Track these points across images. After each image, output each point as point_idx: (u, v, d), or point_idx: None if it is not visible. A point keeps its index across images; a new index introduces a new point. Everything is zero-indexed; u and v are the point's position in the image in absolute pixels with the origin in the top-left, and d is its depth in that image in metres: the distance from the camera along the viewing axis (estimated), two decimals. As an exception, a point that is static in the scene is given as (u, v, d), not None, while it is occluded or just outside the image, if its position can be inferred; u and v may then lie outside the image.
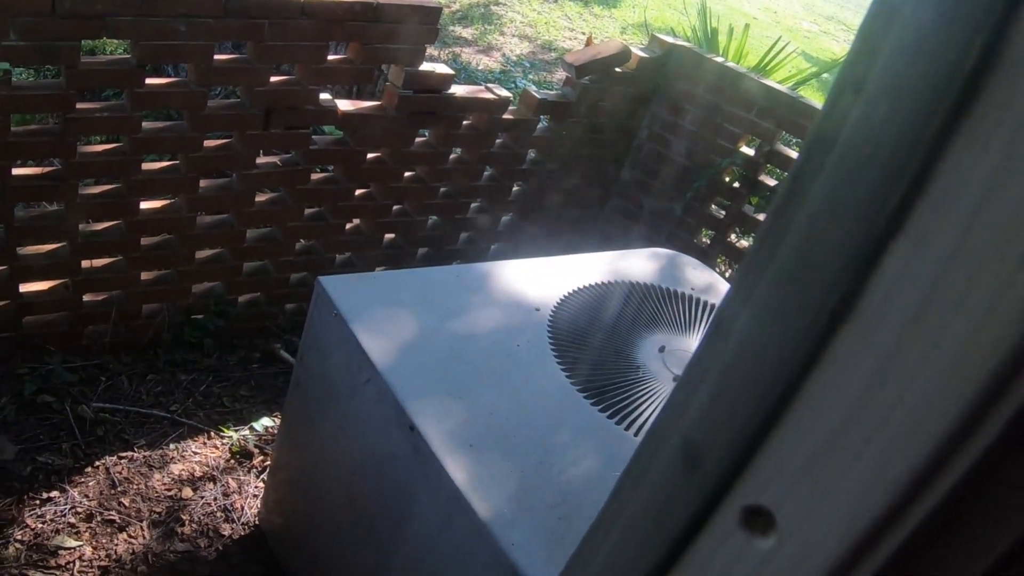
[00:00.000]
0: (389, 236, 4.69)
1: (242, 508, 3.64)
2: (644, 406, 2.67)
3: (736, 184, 5.00)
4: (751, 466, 0.48)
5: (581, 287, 3.16)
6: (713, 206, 5.14)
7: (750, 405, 0.47)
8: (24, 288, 3.78)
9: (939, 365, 0.41)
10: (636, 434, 2.57)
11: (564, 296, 3.08)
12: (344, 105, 4.01)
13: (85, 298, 3.95)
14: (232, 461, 3.86)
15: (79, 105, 3.41)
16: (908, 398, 0.41)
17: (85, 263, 3.84)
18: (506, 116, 4.52)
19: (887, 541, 0.44)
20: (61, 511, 3.42)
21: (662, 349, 2.93)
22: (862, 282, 0.42)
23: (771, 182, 4.89)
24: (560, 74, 8.70)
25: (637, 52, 4.91)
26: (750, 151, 4.91)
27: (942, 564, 0.44)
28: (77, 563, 3.29)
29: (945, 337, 0.40)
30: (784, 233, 0.45)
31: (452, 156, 4.55)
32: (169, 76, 4.38)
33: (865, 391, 0.43)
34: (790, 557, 0.48)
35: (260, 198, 4.12)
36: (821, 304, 0.44)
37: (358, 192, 4.38)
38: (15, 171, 3.46)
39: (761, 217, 4.92)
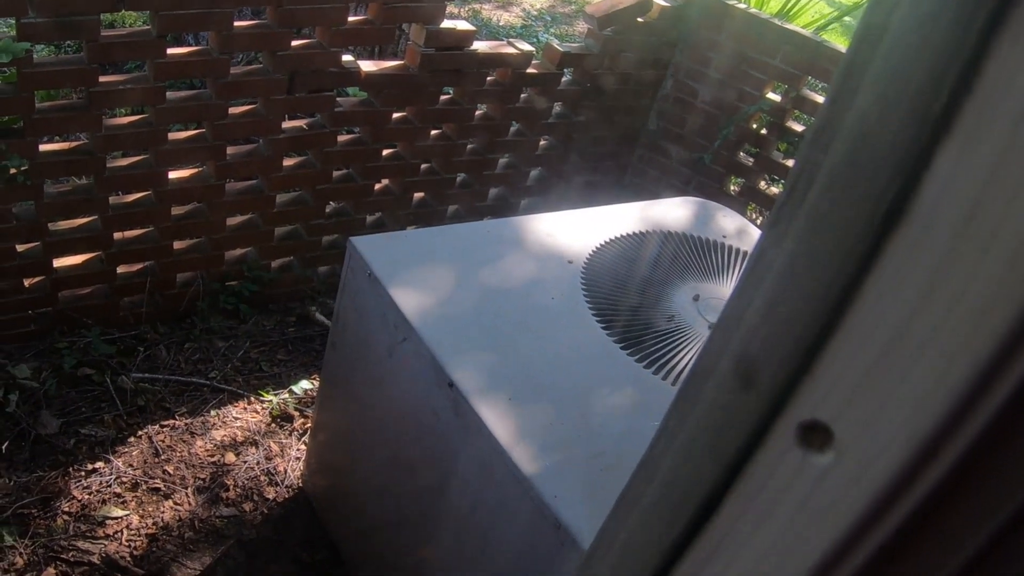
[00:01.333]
0: (418, 195, 4.69)
1: (285, 471, 3.67)
2: (680, 355, 2.67)
3: (764, 131, 4.97)
4: (807, 380, 0.48)
5: (612, 238, 3.15)
6: (741, 153, 5.10)
7: (804, 316, 0.47)
8: (58, 263, 3.81)
9: (995, 263, 0.40)
10: (674, 383, 2.57)
11: (596, 248, 3.07)
12: (367, 66, 4.00)
13: (119, 270, 3.97)
14: (273, 425, 3.88)
15: (102, 78, 3.41)
16: (966, 298, 0.41)
17: (117, 235, 3.86)
18: (529, 71, 4.50)
19: (949, 450, 0.43)
20: (106, 481, 3.46)
21: (696, 298, 2.92)
22: (914, 182, 0.42)
23: (798, 128, 4.85)
24: (582, 26, 8.64)
25: (658, 1, 4.87)
26: (776, 97, 4.87)
27: (1011, 466, 0.43)
28: (125, 532, 3.32)
29: (1000, 234, 0.40)
30: (835, 132, 0.44)
31: (478, 113, 4.53)
32: (190, 45, 4.37)
33: (922, 293, 0.42)
34: (849, 472, 0.47)
35: (288, 162, 4.12)
36: (874, 207, 0.43)
37: (385, 152, 4.37)
38: (43, 147, 3.47)
39: (790, 163, 4.89)
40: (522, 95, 4.62)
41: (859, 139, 0.44)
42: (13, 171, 3.39)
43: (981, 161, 0.40)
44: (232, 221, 4.16)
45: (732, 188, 5.25)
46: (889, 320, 0.44)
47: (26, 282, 3.78)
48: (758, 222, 4.81)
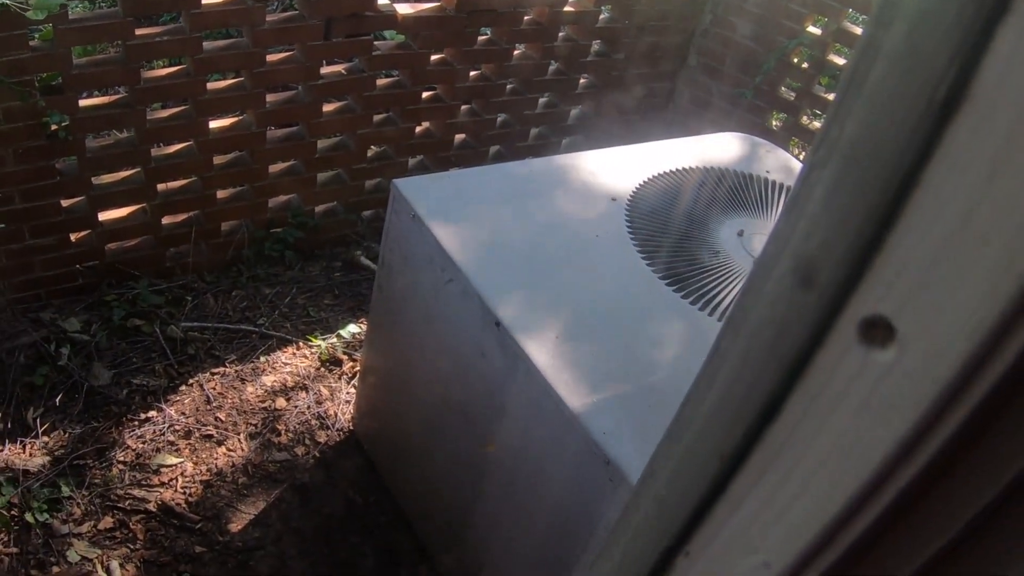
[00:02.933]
0: (459, 136, 4.68)
1: (335, 414, 3.70)
2: (726, 290, 2.66)
3: (805, 65, 4.90)
4: (867, 275, 0.46)
5: (656, 175, 3.13)
6: (783, 88, 5.04)
7: (863, 210, 0.45)
8: (103, 216, 3.84)
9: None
10: (720, 319, 2.56)
11: (639, 185, 3.06)
12: (403, 8, 3.98)
13: (164, 221, 4.00)
14: (322, 369, 3.91)
15: (138, 31, 3.42)
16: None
17: (160, 186, 3.88)
18: (567, 8, 4.47)
19: (1014, 341, 0.43)
20: (160, 430, 3.50)
21: (741, 233, 2.90)
22: (973, 66, 0.41)
23: (840, 61, 4.78)
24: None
25: (696, -67, 4.80)
26: (817, 31, 4.80)
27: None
28: (179, 479, 3.37)
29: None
30: (896, 10, 0.43)
31: (516, 52, 4.50)
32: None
33: (985, 179, 0.41)
34: (911, 367, 0.46)
35: (328, 108, 4.11)
36: (932, 93, 0.42)
37: (425, 95, 4.36)
38: (82, 102, 3.49)
39: (833, 98, 4.82)
40: (560, 34, 4.58)
41: (918, 17, 0.43)
42: (54, 127, 3.41)
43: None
44: (274, 168, 4.17)
45: (774, 123, 5.19)
46: (951, 208, 0.43)
47: (72, 237, 3.81)
48: (801, 157, 4.76)
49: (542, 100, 4.83)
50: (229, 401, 3.67)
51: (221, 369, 3.81)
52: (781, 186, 3.20)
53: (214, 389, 3.70)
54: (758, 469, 0.58)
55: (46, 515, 3.16)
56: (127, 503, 3.26)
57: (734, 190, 3.15)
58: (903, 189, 0.44)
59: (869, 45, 0.45)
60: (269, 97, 3.91)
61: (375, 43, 4.03)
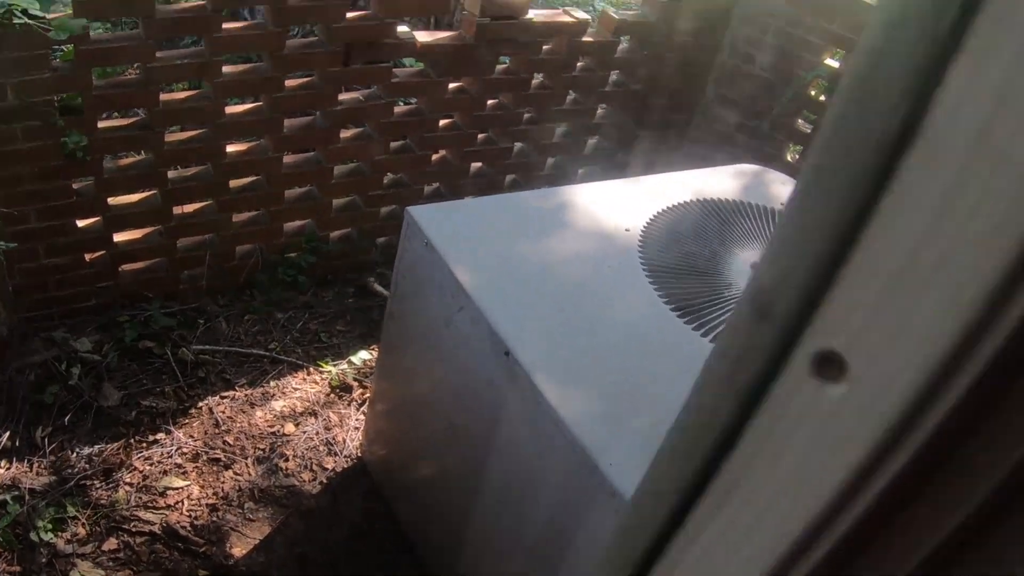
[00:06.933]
0: (476, 165, 4.69)
1: (344, 441, 3.70)
2: (739, 322, 2.64)
3: (822, 97, 4.89)
4: (821, 309, 0.47)
5: (670, 206, 3.13)
6: (800, 120, 5.03)
7: (818, 242, 0.46)
8: (119, 238, 3.86)
9: (1007, 184, 0.39)
10: (732, 350, 2.54)
11: (653, 216, 3.06)
12: (422, 37, 4.00)
13: (179, 243, 4.02)
14: (332, 395, 3.92)
15: (159, 54, 3.44)
16: (977, 220, 0.39)
17: (176, 209, 3.90)
18: (586, 39, 4.47)
19: (961, 377, 0.42)
20: (167, 452, 3.50)
21: (754, 265, 2.89)
22: (925, 103, 0.41)
23: (859, 93, 4.76)
24: (640, -4, 8.56)
25: (716, -34, 4.81)
26: (835, 63, 4.79)
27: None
28: (186, 502, 3.37)
29: (1013, 154, 0.39)
30: (857, 50, 0.44)
31: (534, 82, 4.51)
32: (246, 20, 4.39)
33: (934, 215, 0.41)
34: (862, 402, 0.47)
35: (345, 134, 4.13)
36: (883, 130, 0.42)
37: (442, 122, 4.37)
38: (101, 124, 3.51)
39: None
40: (578, 64, 4.59)
41: (871, 55, 0.43)
42: (72, 147, 3.43)
43: (992, 80, 0.39)
44: (290, 193, 4.19)
45: (791, 156, 5.19)
46: (901, 244, 0.43)
47: (87, 257, 3.84)
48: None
49: (559, 130, 4.84)
50: (238, 425, 3.67)
51: (231, 393, 3.81)
52: (795, 219, 3.19)
53: (223, 413, 3.71)
54: (715, 503, 0.58)
55: (50, 534, 3.17)
56: (132, 525, 3.26)
57: (748, 222, 3.14)
58: (855, 224, 0.44)
59: (834, 84, 0.45)
60: (287, 122, 3.93)
61: (394, 70, 4.04)
